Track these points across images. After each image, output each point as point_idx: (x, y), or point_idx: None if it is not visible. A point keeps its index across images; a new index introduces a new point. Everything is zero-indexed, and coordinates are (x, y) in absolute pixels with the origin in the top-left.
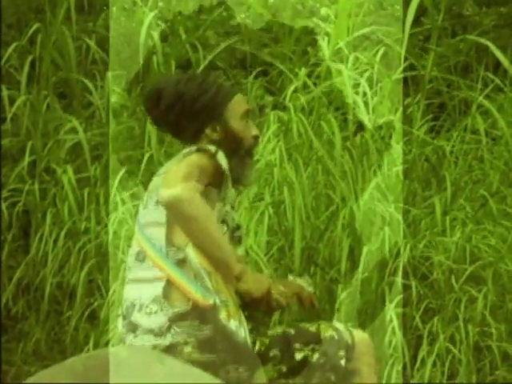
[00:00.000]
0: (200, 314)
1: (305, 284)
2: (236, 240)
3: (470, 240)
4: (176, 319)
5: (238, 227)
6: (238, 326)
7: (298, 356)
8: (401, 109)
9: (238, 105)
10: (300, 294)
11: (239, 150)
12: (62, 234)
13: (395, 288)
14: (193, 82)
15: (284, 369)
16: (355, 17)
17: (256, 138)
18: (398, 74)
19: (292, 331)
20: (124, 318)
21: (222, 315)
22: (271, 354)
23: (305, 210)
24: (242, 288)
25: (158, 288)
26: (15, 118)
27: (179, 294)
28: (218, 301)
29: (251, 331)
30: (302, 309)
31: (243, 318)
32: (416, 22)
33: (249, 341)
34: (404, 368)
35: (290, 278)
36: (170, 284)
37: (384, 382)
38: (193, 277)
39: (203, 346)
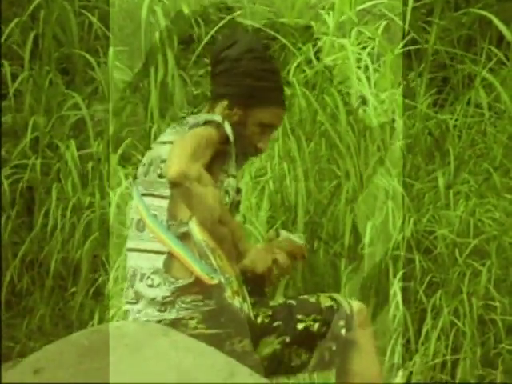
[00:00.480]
0: (204, 288)
1: (296, 238)
2: (235, 205)
3: (473, 214)
4: (180, 293)
5: (238, 191)
6: (241, 302)
7: (300, 326)
8: (403, 83)
9: (271, 115)
10: (291, 250)
11: (236, 145)
12: (67, 209)
13: (399, 262)
14: (268, 62)
15: (287, 339)
16: None
17: (259, 150)
18: (400, 48)
19: (293, 302)
20: (131, 286)
21: (228, 293)
22: (275, 325)
23: (307, 185)
24: (245, 264)
25: (158, 261)
26: (18, 94)
27: (181, 267)
28: (222, 279)
29: (253, 305)
30: (294, 261)
31: (246, 293)
32: None
33: (252, 315)
34: (408, 342)
35: (283, 233)
36: (170, 257)
37: (388, 355)
38: (197, 254)
39: (208, 320)
